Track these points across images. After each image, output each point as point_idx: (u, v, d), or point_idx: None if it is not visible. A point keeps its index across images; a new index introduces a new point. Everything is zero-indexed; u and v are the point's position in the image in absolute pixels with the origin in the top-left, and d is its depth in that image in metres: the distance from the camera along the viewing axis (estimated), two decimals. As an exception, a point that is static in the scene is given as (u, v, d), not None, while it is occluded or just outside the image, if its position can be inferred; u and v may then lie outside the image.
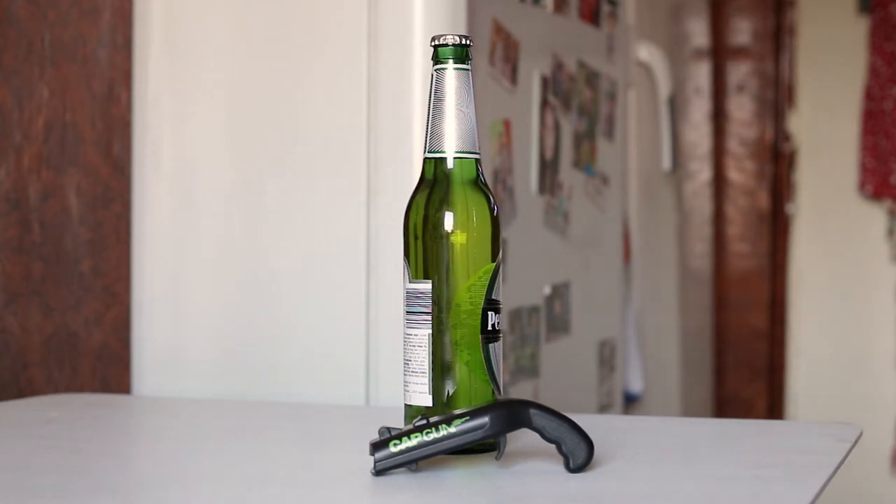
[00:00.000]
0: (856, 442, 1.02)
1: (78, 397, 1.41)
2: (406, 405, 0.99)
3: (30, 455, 1.01)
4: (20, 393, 1.42)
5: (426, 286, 0.98)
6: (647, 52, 2.21)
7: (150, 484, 0.94)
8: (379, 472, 0.90)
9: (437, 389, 0.97)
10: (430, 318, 0.97)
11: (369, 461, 0.97)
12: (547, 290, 1.67)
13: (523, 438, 1.03)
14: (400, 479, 0.95)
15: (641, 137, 2.20)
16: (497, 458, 0.93)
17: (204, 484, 0.90)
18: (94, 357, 1.50)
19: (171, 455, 1.06)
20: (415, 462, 0.90)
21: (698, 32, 3.12)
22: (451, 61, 0.98)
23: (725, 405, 3.33)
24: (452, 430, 0.89)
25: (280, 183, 1.44)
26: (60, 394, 1.45)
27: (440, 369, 0.96)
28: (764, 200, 3.51)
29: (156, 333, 1.50)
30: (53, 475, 0.92)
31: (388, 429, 0.90)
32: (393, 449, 0.89)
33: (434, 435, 0.89)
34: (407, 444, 0.89)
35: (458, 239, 0.98)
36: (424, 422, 0.89)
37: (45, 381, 1.45)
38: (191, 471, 0.96)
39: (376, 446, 0.90)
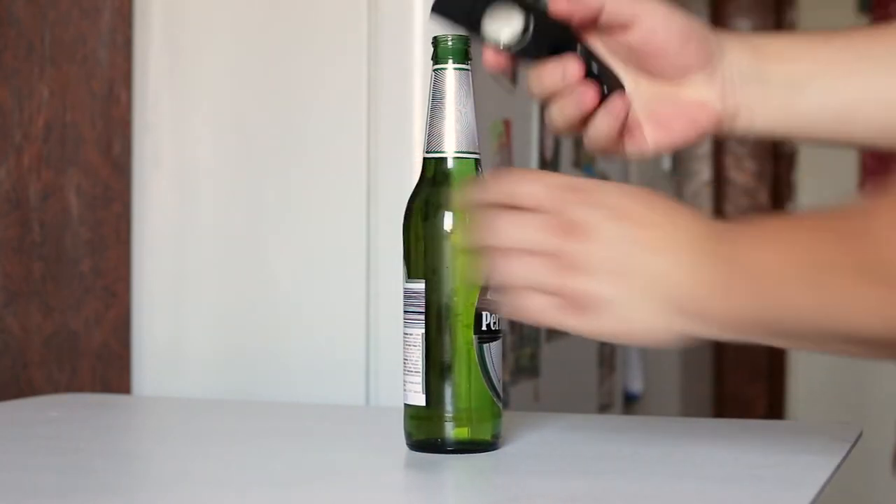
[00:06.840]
0: (856, 442, 1.02)
1: (78, 397, 1.41)
2: (405, 404, 0.99)
3: (30, 455, 1.01)
4: (20, 393, 1.42)
5: (421, 286, 0.97)
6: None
7: (150, 484, 0.94)
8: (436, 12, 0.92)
9: (430, 389, 0.96)
10: (424, 317, 0.97)
11: (369, 461, 0.98)
12: (547, 290, 1.67)
13: (523, 438, 1.03)
14: (400, 478, 0.95)
15: (641, 137, 2.19)
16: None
17: (204, 484, 0.90)
18: (94, 357, 1.50)
19: (171, 455, 1.06)
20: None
21: (698, 32, 3.12)
22: (451, 61, 0.98)
23: (725, 405, 3.33)
24: None
25: (280, 183, 1.44)
26: (60, 394, 1.45)
27: (434, 369, 0.96)
28: (764, 200, 3.50)
29: (156, 333, 1.50)
30: (53, 475, 0.92)
31: None
32: None
33: None
34: None
35: (458, 239, 0.97)
36: None
37: (45, 381, 1.45)
38: (191, 471, 0.96)
39: None
